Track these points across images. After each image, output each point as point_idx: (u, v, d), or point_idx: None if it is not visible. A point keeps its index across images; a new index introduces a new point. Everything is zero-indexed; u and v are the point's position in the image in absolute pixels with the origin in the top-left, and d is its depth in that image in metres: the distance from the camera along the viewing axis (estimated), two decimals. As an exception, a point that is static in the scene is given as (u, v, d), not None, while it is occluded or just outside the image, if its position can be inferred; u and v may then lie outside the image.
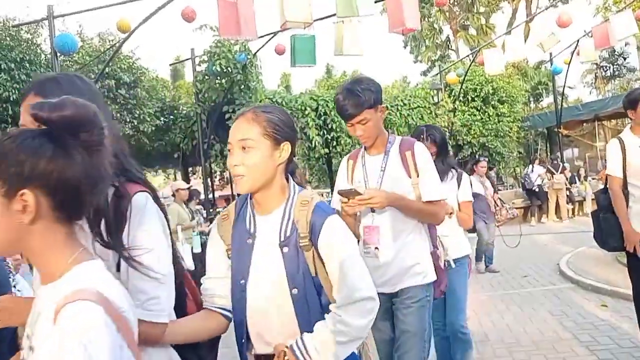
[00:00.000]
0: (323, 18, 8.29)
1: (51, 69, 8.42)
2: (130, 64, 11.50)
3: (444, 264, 2.80)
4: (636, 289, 3.64)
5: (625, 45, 24.02)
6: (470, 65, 15.62)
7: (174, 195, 8.34)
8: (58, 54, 7.85)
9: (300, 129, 12.79)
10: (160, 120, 12.06)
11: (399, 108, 14.87)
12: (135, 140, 11.72)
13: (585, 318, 5.25)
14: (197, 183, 15.09)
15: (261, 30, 7.39)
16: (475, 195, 7.53)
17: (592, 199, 11.65)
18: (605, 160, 3.89)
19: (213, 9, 6.67)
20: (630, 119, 3.75)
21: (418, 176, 2.53)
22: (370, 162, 2.66)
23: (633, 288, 3.68)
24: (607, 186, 3.80)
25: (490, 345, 4.75)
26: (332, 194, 7.60)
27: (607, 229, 3.72)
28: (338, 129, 13.39)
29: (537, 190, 14.39)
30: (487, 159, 9.35)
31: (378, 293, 1.95)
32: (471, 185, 7.41)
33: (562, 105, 17.02)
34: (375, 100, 2.47)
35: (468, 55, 18.04)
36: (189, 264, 7.87)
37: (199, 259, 8.14)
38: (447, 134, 15.94)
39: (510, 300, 6.31)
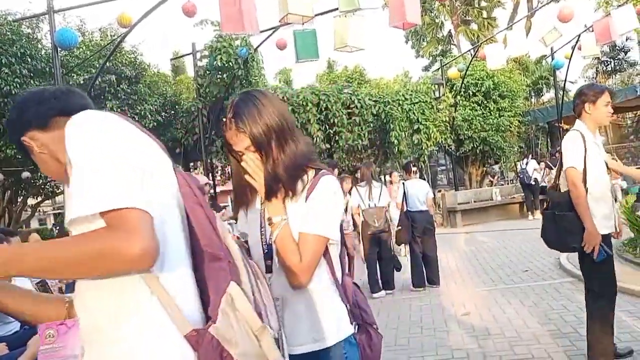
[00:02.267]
0: (324, 13, 8.28)
1: (52, 63, 8.43)
2: (132, 59, 11.50)
3: None
4: (591, 286, 3.54)
5: (627, 39, 24.01)
6: (471, 60, 15.61)
7: None
8: (58, 49, 7.86)
9: (302, 125, 12.80)
10: (162, 116, 12.06)
11: (401, 103, 14.87)
12: (136, 136, 11.72)
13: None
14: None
15: (262, 25, 7.40)
16: None
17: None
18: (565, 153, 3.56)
19: (214, 3, 6.67)
20: (587, 113, 3.52)
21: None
22: None
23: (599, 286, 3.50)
24: (558, 182, 3.62)
25: (492, 340, 4.78)
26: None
27: (568, 228, 3.41)
28: (339, 124, 13.40)
29: (533, 183, 14.41)
30: None
31: None
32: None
33: (563, 99, 17.00)
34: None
35: (469, 50, 18.02)
36: None
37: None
38: (449, 128, 15.95)
39: (511, 295, 6.34)
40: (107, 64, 9.65)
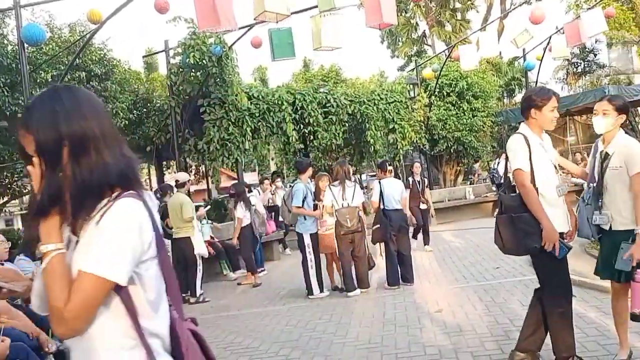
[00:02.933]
0: (301, 11, 8.25)
1: (18, 60, 8.22)
2: (102, 55, 11.30)
3: None
4: (550, 285, 3.56)
5: (596, 42, 24.43)
6: (445, 61, 15.75)
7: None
8: (25, 45, 7.66)
9: (277, 124, 12.74)
10: (133, 114, 11.86)
11: (376, 102, 14.91)
12: (107, 134, 11.52)
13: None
14: (171, 178, 14.96)
15: (237, 22, 7.34)
16: None
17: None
18: (513, 156, 3.54)
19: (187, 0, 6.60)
20: (533, 118, 3.54)
21: None
22: None
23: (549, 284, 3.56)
24: (506, 185, 3.67)
25: (464, 336, 4.81)
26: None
27: (525, 229, 3.40)
28: (315, 123, 13.36)
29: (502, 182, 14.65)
30: None
31: None
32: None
33: (534, 100, 17.22)
34: None
35: (444, 51, 18.20)
36: (204, 251, 8.27)
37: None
38: (424, 128, 16.07)
39: (482, 292, 6.41)
40: (77, 60, 9.46)
